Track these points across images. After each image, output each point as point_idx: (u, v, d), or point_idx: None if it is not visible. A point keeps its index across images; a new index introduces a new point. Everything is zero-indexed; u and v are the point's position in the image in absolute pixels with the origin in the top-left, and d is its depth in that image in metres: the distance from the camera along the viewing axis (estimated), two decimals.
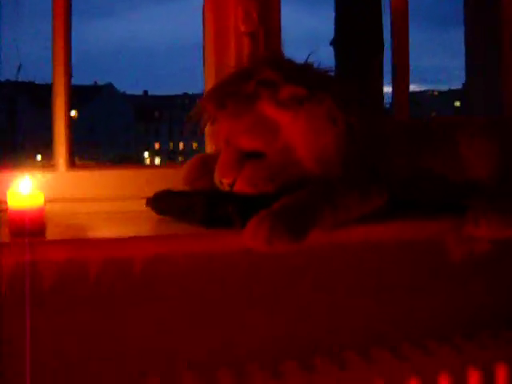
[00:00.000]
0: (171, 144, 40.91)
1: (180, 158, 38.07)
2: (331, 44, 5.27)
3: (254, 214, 1.06)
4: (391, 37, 1.64)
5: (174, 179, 1.32)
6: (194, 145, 40.09)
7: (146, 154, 38.58)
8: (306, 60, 1.24)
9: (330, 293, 1.29)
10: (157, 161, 37.48)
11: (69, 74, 1.41)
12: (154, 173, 1.44)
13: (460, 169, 1.30)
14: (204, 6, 1.49)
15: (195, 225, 1.14)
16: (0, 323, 1.10)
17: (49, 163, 1.45)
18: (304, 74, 1.18)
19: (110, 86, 38.94)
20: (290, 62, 1.21)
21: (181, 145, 40.70)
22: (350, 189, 1.15)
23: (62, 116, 1.39)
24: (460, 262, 1.21)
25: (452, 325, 1.37)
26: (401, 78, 1.63)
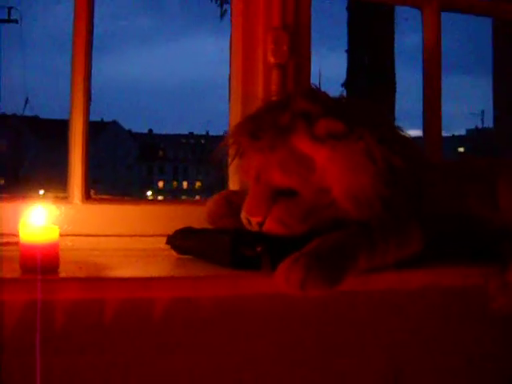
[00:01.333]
0: (175, 183, 41.06)
1: (183, 197, 38.19)
2: (343, 85, 5.27)
3: (285, 255, 0.99)
4: (423, 83, 1.62)
5: (196, 216, 1.25)
6: (198, 184, 40.25)
7: (150, 193, 38.64)
8: (340, 94, 1.18)
9: (358, 339, 1.20)
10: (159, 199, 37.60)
11: (88, 104, 1.35)
12: (174, 209, 1.37)
13: (497, 213, 1.25)
14: (231, 36, 1.43)
15: (220, 265, 1.07)
16: (9, 364, 1.01)
17: (56, 196, 1.38)
18: (342, 107, 1.10)
19: (115, 123, 39.24)
20: (326, 94, 1.14)
21: (184, 184, 40.83)
22: (387, 233, 1.08)
23: (79, 145, 1.32)
24: (501, 309, 1.14)
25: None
26: (433, 122, 1.60)
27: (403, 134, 1.18)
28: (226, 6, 7.90)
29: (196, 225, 1.21)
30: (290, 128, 1.07)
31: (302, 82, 1.39)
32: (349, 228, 1.05)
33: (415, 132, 1.68)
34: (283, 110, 1.08)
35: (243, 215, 1.12)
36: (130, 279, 1.02)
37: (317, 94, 1.13)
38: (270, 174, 1.09)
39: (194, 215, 1.28)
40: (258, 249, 1.04)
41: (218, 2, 7.81)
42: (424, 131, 1.60)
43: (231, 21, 1.43)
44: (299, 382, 1.16)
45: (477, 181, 1.28)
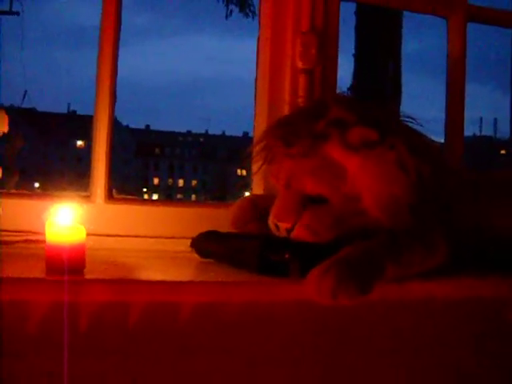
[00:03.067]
0: (170, 180, 41.01)
1: (179, 195, 38.15)
2: (349, 89, 5.26)
3: (313, 263, 0.97)
4: (446, 91, 1.61)
5: (220, 220, 1.24)
6: (194, 182, 40.23)
7: (145, 190, 38.60)
8: (367, 100, 1.16)
9: (386, 348, 1.19)
10: (154, 197, 37.60)
11: (113, 101, 1.33)
12: (198, 211, 1.36)
13: None
14: (259, 39, 1.42)
15: (247, 270, 1.05)
16: (33, 366, 0.99)
17: (75, 193, 1.37)
18: (374, 115, 1.09)
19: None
20: (358, 101, 1.13)
21: (180, 182, 40.80)
22: (415, 243, 1.07)
23: (103, 144, 1.31)
24: None
25: None
26: (456, 130, 1.60)
27: (430, 141, 1.17)
28: (231, 7, 7.91)
29: (220, 228, 1.19)
30: (323, 136, 1.05)
31: (328, 87, 1.37)
32: (377, 237, 1.04)
33: None
34: (318, 118, 1.06)
35: (271, 220, 1.11)
36: (158, 282, 1.00)
37: (351, 102, 1.12)
38: (301, 181, 1.07)
39: (217, 218, 1.26)
40: (287, 255, 1.03)
41: (225, 1, 7.83)
42: (446, 138, 1.59)
43: (260, 22, 1.42)
44: None
45: (502, 195, 1.27)
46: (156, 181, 40.67)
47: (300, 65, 1.37)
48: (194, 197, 37.12)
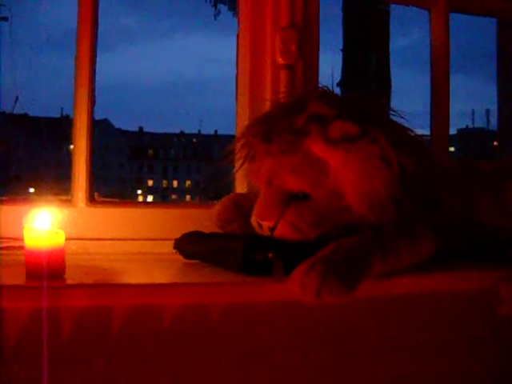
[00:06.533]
0: (165, 182, 40.96)
1: (173, 196, 38.11)
2: (338, 85, 5.25)
3: (297, 261, 0.96)
4: (431, 83, 1.60)
5: (203, 220, 1.23)
6: (188, 183, 40.19)
7: (139, 192, 38.52)
8: (350, 94, 1.15)
9: (374, 346, 1.17)
10: (149, 198, 37.52)
11: (92, 104, 1.32)
12: (180, 212, 1.34)
13: (508, 218, 1.23)
14: (239, 36, 1.40)
15: (230, 271, 1.04)
16: (14, 374, 0.98)
17: (57, 198, 1.36)
18: (355, 109, 1.07)
19: (105, 121, 39.05)
20: (338, 96, 1.12)
21: (175, 183, 40.76)
22: (400, 237, 1.06)
23: (83, 147, 1.30)
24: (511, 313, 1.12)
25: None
26: (441, 123, 1.59)
27: (414, 134, 1.16)
28: (219, 7, 7.89)
29: (203, 229, 1.18)
30: (304, 131, 1.04)
31: (310, 82, 1.36)
32: (362, 233, 1.03)
33: None
34: (297, 113, 1.04)
35: (254, 219, 1.09)
36: (140, 286, 0.99)
37: (331, 97, 1.10)
38: (282, 178, 1.06)
39: (200, 219, 1.25)
40: (270, 254, 1.01)
41: (212, 2, 7.80)
42: (431, 131, 1.58)
43: (238, 20, 1.40)
44: None
45: (487, 185, 1.26)
46: (150, 182, 40.59)
47: (280, 61, 1.35)
48: (188, 197, 37.07)
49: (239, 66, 1.41)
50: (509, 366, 1.26)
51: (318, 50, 1.41)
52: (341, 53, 5.44)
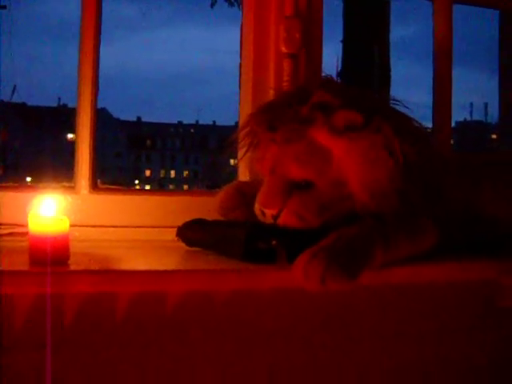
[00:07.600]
0: (162, 172, 40.97)
1: (171, 186, 38.14)
2: (338, 76, 5.25)
3: (300, 249, 0.96)
4: (433, 75, 1.60)
5: (206, 207, 1.23)
6: (185, 173, 40.20)
7: (137, 181, 38.54)
8: (354, 85, 1.15)
9: (376, 332, 1.18)
10: (147, 188, 37.54)
11: (96, 92, 1.32)
12: (183, 200, 1.34)
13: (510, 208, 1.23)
14: (243, 24, 1.40)
15: (233, 258, 1.04)
16: (18, 360, 0.98)
17: (60, 185, 1.35)
18: (359, 98, 1.08)
19: (104, 110, 39.00)
20: (343, 85, 1.12)
21: (172, 173, 40.77)
22: (403, 226, 1.06)
23: (86, 134, 1.29)
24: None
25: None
26: (444, 114, 1.58)
27: (418, 125, 1.16)
28: None
29: (206, 216, 1.18)
30: (308, 120, 1.04)
31: (313, 71, 1.36)
32: (364, 222, 1.03)
33: None
34: (301, 102, 1.04)
35: (257, 207, 1.10)
36: (144, 272, 0.99)
37: (335, 85, 1.10)
38: (285, 166, 1.06)
39: (203, 206, 1.24)
40: (273, 242, 1.02)
41: None
42: (434, 123, 1.58)
43: (242, 9, 1.40)
44: (313, 377, 1.14)
45: (490, 176, 1.26)
46: (148, 172, 40.60)
47: (284, 49, 1.35)
48: (185, 187, 37.12)
49: (243, 54, 1.40)
50: (509, 353, 1.27)
51: (322, 39, 1.40)
52: (341, 44, 5.46)
